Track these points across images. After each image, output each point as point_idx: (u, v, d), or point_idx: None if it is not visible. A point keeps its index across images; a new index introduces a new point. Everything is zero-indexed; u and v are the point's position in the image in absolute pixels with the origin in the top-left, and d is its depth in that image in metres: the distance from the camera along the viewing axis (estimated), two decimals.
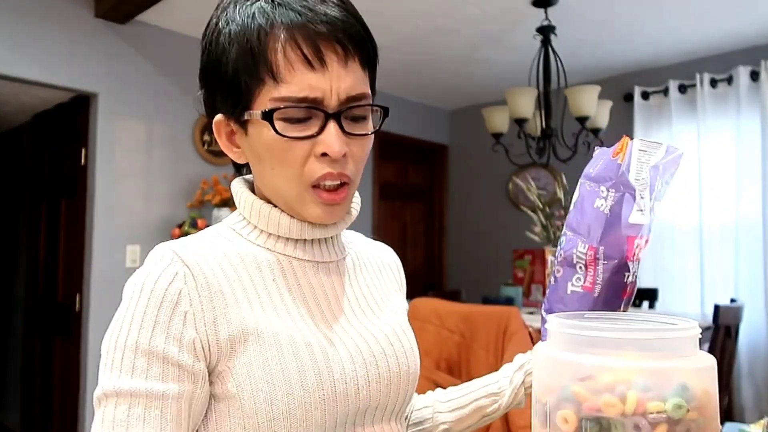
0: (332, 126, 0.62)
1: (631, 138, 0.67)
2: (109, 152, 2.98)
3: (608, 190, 0.65)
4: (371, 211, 4.45)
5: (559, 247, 0.69)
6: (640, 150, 0.66)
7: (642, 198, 0.64)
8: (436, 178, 5.10)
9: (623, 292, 0.66)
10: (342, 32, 0.62)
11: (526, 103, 2.86)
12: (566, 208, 3.08)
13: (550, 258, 3.02)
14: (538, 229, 3.11)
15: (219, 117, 0.66)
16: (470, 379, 0.87)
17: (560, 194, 3.19)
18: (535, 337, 2.05)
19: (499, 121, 3.11)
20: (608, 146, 0.69)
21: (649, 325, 0.52)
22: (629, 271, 0.65)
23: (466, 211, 4.93)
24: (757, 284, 3.38)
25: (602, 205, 0.65)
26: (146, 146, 3.10)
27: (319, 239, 0.70)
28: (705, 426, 0.47)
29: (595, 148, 0.71)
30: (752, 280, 3.40)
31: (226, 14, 0.63)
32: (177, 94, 3.21)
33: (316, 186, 0.64)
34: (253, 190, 0.71)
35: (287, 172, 0.63)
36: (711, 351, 2.60)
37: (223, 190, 3.13)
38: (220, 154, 3.24)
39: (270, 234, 0.68)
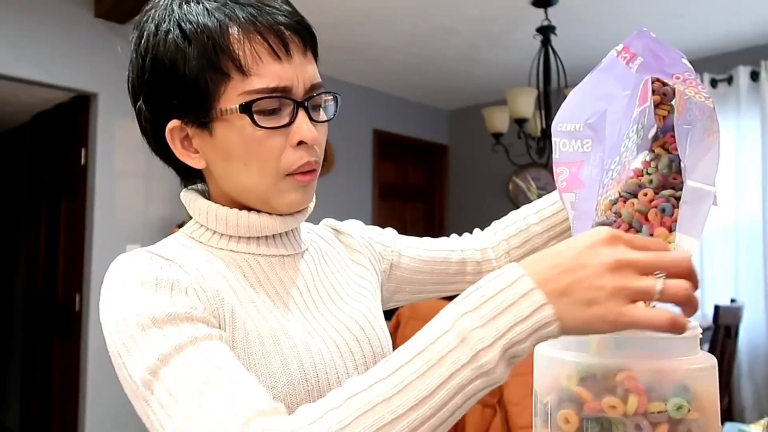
0: (302, 114, 0.63)
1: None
2: (109, 152, 2.98)
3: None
4: (371, 211, 4.44)
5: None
6: None
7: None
8: (436, 178, 5.09)
9: None
10: (297, 23, 0.63)
11: (526, 103, 2.86)
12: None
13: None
14: None
15: (174, 123, 0.64)
16: None
17: None
18: None
19: (499, 121, 3.11)
20: None
21: None
22: None
23: (466, 211, 4.93)
24: (757, 284, 3.38)
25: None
26: (146, 146, 3.06)
27: (280, 233, 0.70)
28: (706, 426, 0.47)
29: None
30: (752, 280, 3.39)
31: (170, 17, 0.62)
32: None
33: (290, 174, 0.64)
34: (204, 198, 0.71)
35: (264, 164, 0.63)
36: (711, 351, 2.60)
37: None
38: None
39: (230, 236, 0.67)
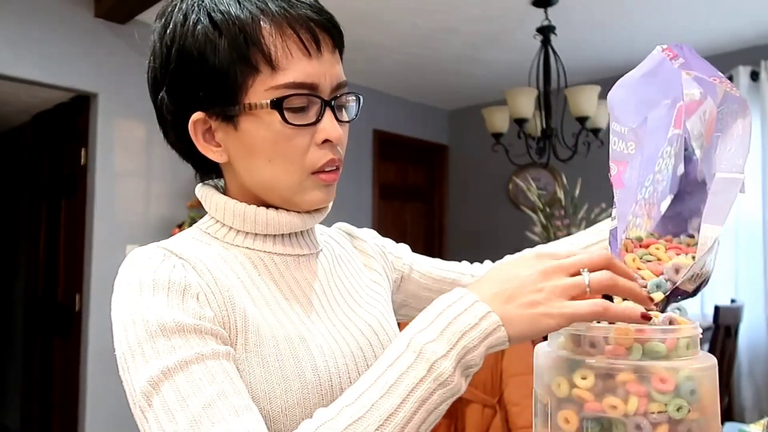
0: (329, 113, 0.63)
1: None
2: (109, 152, 2.98)
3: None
4: (371, 211, 4.44)
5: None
6: None
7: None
8: (436, 178, 5.09)
9: None
10: (328, 21, 0.63)
11: (526, 103, 2.86)
12: (566, 208, 3.08)
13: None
14: (538, 229, 3.11)
15: (198, 115, 0.62)
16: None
17: (560, 194, 3.19)
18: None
19: (499, 121, 3.10)
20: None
21: (650, 325, 0.52)
22: None
23: (466, 211, 4.93)
24: (757, 284, 3.38)
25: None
26: (146, 146, 3.10)
27: (296, 233, 0.70)
28: (706, 426, 0.47)
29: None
30: (752, 280, 3.40)
31: (199, 6, 0.61)
32: None
33: (315, 172, 0.64)
34: (221, 193, 0.70)
35: (289, 162, 0.62)
36: (711, 351, 2.60)
37: None
38: None
39: (247, 233, 0.67)
